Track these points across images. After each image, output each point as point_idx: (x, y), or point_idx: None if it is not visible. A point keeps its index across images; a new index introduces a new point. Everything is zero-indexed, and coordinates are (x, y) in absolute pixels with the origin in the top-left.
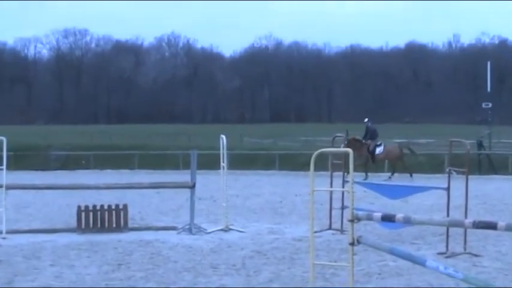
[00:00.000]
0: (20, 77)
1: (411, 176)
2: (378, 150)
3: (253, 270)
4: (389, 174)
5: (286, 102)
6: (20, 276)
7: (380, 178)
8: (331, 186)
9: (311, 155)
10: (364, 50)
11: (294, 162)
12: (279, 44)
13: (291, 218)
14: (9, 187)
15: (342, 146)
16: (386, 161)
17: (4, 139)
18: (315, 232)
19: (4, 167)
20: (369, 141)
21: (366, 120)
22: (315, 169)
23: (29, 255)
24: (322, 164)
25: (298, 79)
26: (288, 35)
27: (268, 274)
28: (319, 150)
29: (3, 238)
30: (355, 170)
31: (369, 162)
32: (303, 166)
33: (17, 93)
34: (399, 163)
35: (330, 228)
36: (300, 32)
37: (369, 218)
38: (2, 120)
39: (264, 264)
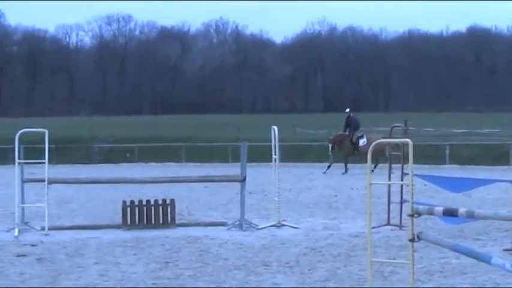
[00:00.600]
0: (62, 66)
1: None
2: (362, 142)
3: (308, 267)
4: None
5: (341, 91)
6: (63, 275)
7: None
8: (390, 179)
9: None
10: (422, 35)
11: None
12: (332, 29)
13: (346, 213)
14: (51, 181)
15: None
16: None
17: (46, 131)
18: (373, 228)
19: (46, 160)
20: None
21: (347, 110)
22: (372, 161)
23: (72, 253)
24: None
25: (353, 66)
26: (342, 20)
27: (324, 272)
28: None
29: (46, 234)
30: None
31: (352, 155)
32: (359, 158)
33: (58, 83)
34: (381, 155)
35: (388, 224)
36: (355, 17)
37: (430, 212)
38: (44, 112)
39: (319, 261)
